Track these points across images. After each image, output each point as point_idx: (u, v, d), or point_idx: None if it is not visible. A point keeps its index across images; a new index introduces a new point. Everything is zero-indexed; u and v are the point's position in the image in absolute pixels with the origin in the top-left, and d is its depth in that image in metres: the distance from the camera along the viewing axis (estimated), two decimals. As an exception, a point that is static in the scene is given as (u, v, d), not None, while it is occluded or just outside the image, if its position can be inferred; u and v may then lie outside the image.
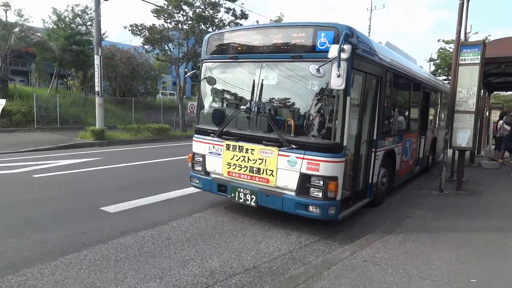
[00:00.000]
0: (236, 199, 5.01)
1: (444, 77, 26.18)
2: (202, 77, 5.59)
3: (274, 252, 4.20)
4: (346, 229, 5.15)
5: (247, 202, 4.91)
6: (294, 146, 4.50)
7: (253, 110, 4.95)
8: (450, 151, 8.30)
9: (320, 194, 4.40)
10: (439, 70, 29.49)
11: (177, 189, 6.65)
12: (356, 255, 4.01)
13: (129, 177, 8.03)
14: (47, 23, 22.17)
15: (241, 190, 4.96)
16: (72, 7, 22.18)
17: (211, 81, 5.56)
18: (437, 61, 29.84)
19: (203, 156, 5.44)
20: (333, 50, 4.09)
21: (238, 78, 5.33)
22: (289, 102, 4.94)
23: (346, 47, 4.07)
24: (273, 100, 4.97)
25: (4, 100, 15.88)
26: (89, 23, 22.03)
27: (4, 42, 16.39)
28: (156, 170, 8.98)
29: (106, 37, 22.32)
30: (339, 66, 3.96)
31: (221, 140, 5.16)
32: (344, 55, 4.04)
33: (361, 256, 3.99)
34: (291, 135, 4.61)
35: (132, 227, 4.75)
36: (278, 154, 4.63)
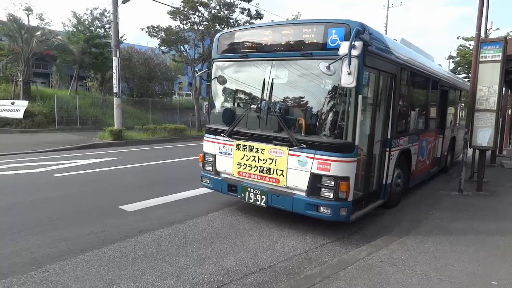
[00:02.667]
0: (246, 200, 4.97)
1: (464, 75, 25.56)
2: (212, 77, 5.56)
3: (290, 252, 4.20)
4: (363, 229, 5.10)
5: (257, 202, 4.86)
6: (305, 146, 4.42)
7: (263, 109, 4.90)
8: (470, 151, 8.10)
9: (331, 195, 4.31)
10: (459, 68, 28.82)
11: (193, 188, 6.71)
12: (373, 256, 3.97)
13: (146, 176, 8.16)
14: (67, 26, 22.79)
15: (251, 190, 4.91)
16: (91, 10, 22.75)
17: (222, 80, 5.53)
18: (457, 59, 29.17)
19: (214, 156, 5.42)
20: (344, 47, 3.96)
21: (248, 77, 5.29)
22: (299, 101, 4.87)
23: (357, 43, 3.94)
24: (284, 99, 4.91)
25: (26, 102, 16.37)
26: (107, 25, 22.50)
27: (26, 46, 16.89)
28: (173, 170, 9.09)
29: (124, 39, 22.71)
30: (349, 64, 3.85)
31: (231, 139, 5.12)
32: (355, 52, 3.92)
33: (378, 257, 3.94)
34: (302, 134, 4.53)
35: (150, 225, 4.83)
36: (289, 154, 4.56)
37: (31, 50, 17.16)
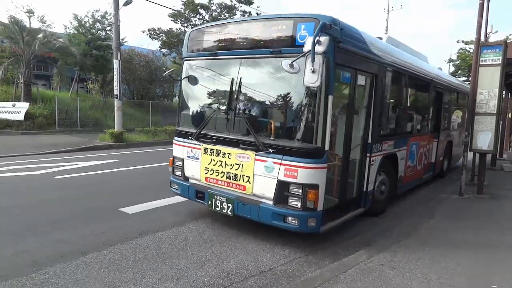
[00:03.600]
0: (213, 207, 4.67)
1: (464, 78, 25.61)
2: (183, 76, 5.27)
3: (290, 255, 4.20)
4: (363, 233, 5.10)
5: (223, 210, 4.56)
6: (271, 150, 4.11)
7: (230, 111, 4.61)
8: (470, 154, 8.10)
9: (299, 204, 3.98)
10: (459, 71, 28.91)
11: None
12: (373, 259, 3.97)
13: (147, 178, 8.16)
14: (68, 28, 22.90)
15: (218, 197, 4.60)
16: (93, 12, 22.86)
17: (192, 80, 5.22)
18: (457, 62, 29.26)
19: (182, 161, 5.12)
20: (308, 43, 3.63)
21: (217, 77, 4.96)
22: (268, 102, 4.54)
23: (323, 39, 3.65)
24: (252, 100, 4.61)
25: (27, 104, 16.40)
26: (108, 28, 22.61)
27: (28, 48, 16.93)
28: (173, 172, 9.09)
29: (125, 41, 22.82)
30: (313, 61, 3.54)
31: (199, 143, 4.83)
32: (320, 48, 3.61)
33: (378, 260, 3.95)
34: (270, 138, 4.22)
35: (150, 228, 4.84)
36: (255, 159, 4.24)
37: (33, 52, 17.21)
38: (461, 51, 28.37)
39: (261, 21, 4.66)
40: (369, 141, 5.08)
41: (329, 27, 3.73)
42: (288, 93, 4.33)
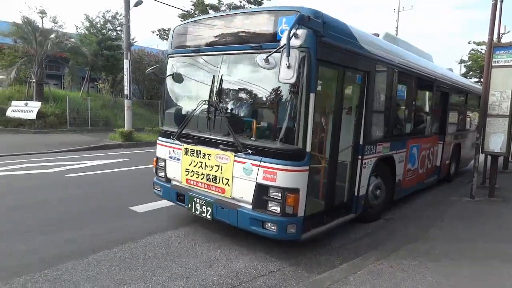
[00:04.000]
0: (193, 211, 4.47)
1: (476, 80, 25.29)
2: (167, 74, 5.08)
3: (299, 255, 4.19)
4: (372, 234, 5.07)
5: (203, 214, 4.36)
6: (250, 151, 3.89)
7: (211, 110, 4.39)
8: (482, 157, 8.00)
9: (278, 209, 3.76)
10: (471, 72, 28.57)
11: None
12: (382, 261, 3.94)
13: (156, 178, 8.22)
14: (80, 29, 23.14)
15: (198, 200, 4.40)
16: (103, 13, 23.06)
17: (175, 77, 5.02)
18: (468, 63, 28.91)
19: (165, 161, 4.95)
20: (284, 36, 3.39)
21: (200, 74, 4.78)
22: (249, 100, 4.36)
23: (300, 32, 3.47)
24: (232, 99, 4.44)
25: (39, 103, 16.65)
26: (119, 28, 22.81)
27: (40, 48, 17.19)
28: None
29: (135, 42, 22.99)
30: (288, 55, 3.29)
31: (180, 143, 4.65)
32: (296, 42, 3.43)
33: (388, 262, 3.92)
34: (251, 138, 4.00)
35: (160, 226, 4.88)
36: (234, 161, 4.04)
37: (45, 52, 17.47)
38: (472, 52, 28.05)
39: (242, 15, 4.45)
40: (361, 142, 4.82)
41: (307, 20, 3.47)
42: (269, 91, 4.14)
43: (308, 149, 3.76)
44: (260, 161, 3.83)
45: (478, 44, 26.75)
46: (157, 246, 4.27)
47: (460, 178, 9.67)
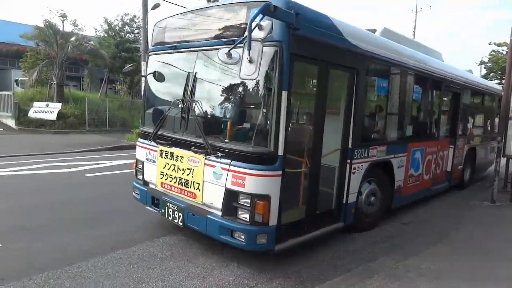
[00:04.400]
0: (166, 216, 4.26)
1: (497, 81, 24.65)
2: (147, 72, 4.90)
3: (317, 257, 4.18)
4: (390, 237, 5.01)
5: (175, 220, 4.14)
6: (220, 154, 3.65)
7: (185, 110, 4.17)
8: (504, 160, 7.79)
9: (248, 217, 3.49)
10: (491, 74, 27.85)
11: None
12: (399, 265, 3.90)
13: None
14: (98, 31, 23.65)
15: (170, 205, 4.18)
16: (122, 16, 23.53)
17: (154, 76, 4.81)
18: (489, 65, 28.22)
19: (143, 163, 4.77)
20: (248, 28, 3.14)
21: (177, 72, 4.53)
22: (221, 99, 4.12)
23: (266, 23, 3.22)
24: (205, 98, 4.20)
25: (59, 104, 17.07)
26: (136, 31, 23.22)
27: (61, 50, 17.64)
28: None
29: (152, 44, 23.29)
30: (249, 49, 3.06)
31: (156, 145, 4.45)
32: (260, 34, 3.19)
33: (405, 266, 3.87)
34: (224, 140, 3.77)
35: (177, 226, 4.92)
36: (205, 164, 3.79)
37: (65, 55, 17.91)
38: (493, 53, 27.36)
39: (216, 8, 4.14)
40: (350, 146, 4.48)
41: (273, 9, 3.15)
42: (241, 89, 3.86)
43: (280, 152, 3.45)
44: (230, 164, 3.57)
45: (499, 45, 26.09)
46: (174, 245, 4.33)
47: (478, 183, 9.26)
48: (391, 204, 5.58)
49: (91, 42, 20.06)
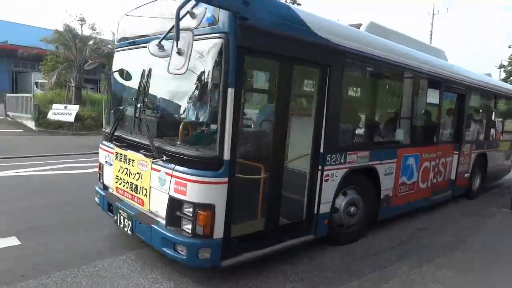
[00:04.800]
0: (118, 223, 3.99)
1: (517, 85, 24.05)
2: (112, 70, 4.67)
3: (328, 262, 4.16)
4: (404, 243, 4.94)
5: (125, 228, 3.86)
6: (165, 158, 3.34)
7: (137, 109, 3.89)
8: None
9: (190, 229, 3.18)
10: (511, 78, 27.21)
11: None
12: (415, 271, 3.85)
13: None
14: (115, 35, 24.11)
15: (121, 212, 3.91)
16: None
17: (119, 74, 4.56)
18: (508, 68, 27.59)
19: (103, 167, 4.54)
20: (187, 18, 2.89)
21: (135, 69, 4.17)
22: (171, 98, 3.91)
23: (199, 11, 2.97)
24: (157, 96, 3.99)
25: (77, 106, 17.46)
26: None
27: (80, 54, 18.07)
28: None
29: (167, 47, 23.61)
30: (177, 39, 2.81)
31: (112, 146, 4.18)
32: (191, 23, 2.96)
33: (420, 273, 3.82)
34: (178, 142, 3.47)
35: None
36: (151, 168, 3.49)
37: (84, 58, 18.31)
38: (513, 56, 26.77)
39: None
40: (322, 150, 4.03)
41: None
42: (188, 87, 3.51)
43: (226, 156, 3.10)
44: (173, 169, 3.24)
45: (520, 48, 25.51)
46: (188, 247, 4.35)
47: (495, 190, 8.85)
48: (378, 215, 5.04)
49: (109, 46, 20.42)
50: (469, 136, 7.31)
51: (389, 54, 4.86)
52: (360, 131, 5.02)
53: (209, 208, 3.10)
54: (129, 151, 3.85)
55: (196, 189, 3.11)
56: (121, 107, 4.43)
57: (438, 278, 3.69)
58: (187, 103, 3.62)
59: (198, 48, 3.07)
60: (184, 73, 2.91)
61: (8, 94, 19.23)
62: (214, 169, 3.10)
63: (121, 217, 3.92)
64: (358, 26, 5.11)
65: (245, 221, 3.68)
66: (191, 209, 3.14)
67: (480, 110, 7.97)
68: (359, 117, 5.00)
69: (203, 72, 3.26)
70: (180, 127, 3.50)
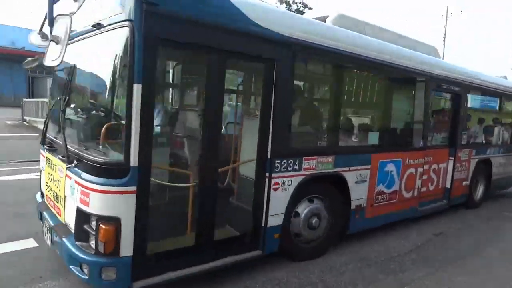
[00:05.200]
0: (43, 235, 3.60)
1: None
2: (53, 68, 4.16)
3: (341, 267, 4.12)
4: (419, 248, 4.87)
5: (48, 241, 3.45)
6: (75, 163, 2.94)
7: (59, 109, 3.43)
8: None
9: (94, 245, 2.76)
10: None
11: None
12: (431, 277, 3.80)
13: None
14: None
15: (45, 222, 3.49)
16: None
17: (54, 72, 4.22)
18: (525, 70, 27.04)
19: (41, 172, 4.08)
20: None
21: (66, 66, 3.67)
22: (88, 95, 3.54)
23: None
24: (78, 94, 3.62)
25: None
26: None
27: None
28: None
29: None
30: (51, 26, 2.51)
31: (44, 150, 3.80)
32: (72, 7, 2.64)
33: (436, 278, 3.77)
34: (100, 145, 3.00)
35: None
36: (66, 175, 3.09)
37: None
38: (529, 57, 26.23)
39: None
40: (269, 155, 3.52)
41: None
42: (100, 83, 3.19)
43: (133, 162, 2.66)
44: (79, 176, 2.84)
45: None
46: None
47: (506, 199, 8.29)
48: (348, 227, 4.44)
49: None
50: (468, 140, 6.54)
51: (351, 47, 4.18)
52: (321, 134, 4.53)
53: (113, 221, 2.66)
54: (52, 155, 3.49)
55: (98, 200, 2.70)
56: (51, 108, 4.06)
57: (453, 285, 3.63)
58: (101, 102, 3.24)
59: (105, 39, 2.83)
60: (60, 64, 2.63)
61: (25, 99, 19.62)
62: (118, 177, 2.67)
63: (45, 228, 3.51)
64: (324, 18, 4.58)
65: (171, 236, 3.28)
66: (94, 223, 2.73)
67: (482, 112, 7.17)
68: (320, 118, 4.53)
69: (110, 67, 2.89)
70: (89, 129, 3.21)
